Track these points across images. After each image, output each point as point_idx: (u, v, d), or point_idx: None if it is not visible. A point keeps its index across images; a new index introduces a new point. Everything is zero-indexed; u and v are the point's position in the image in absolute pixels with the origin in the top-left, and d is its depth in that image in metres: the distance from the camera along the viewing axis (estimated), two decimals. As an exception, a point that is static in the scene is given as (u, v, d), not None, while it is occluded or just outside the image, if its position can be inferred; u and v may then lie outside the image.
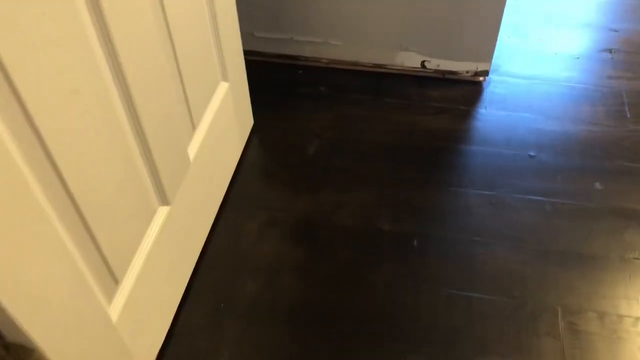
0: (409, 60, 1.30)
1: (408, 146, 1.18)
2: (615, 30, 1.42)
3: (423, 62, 1.29)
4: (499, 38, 1.40)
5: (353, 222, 1.05)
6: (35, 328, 0.54)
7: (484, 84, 1.30)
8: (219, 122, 1.02)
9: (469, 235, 1.03)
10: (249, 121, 1.20)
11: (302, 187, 1.11)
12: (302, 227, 1.04)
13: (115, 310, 0.72)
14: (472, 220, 1.05)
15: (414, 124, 1.22)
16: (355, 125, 1.23)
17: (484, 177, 1.12)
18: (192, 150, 0.91)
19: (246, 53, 1.35)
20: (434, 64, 1.29)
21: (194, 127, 0.92)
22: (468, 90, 1.29)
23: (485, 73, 1.28)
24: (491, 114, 1.24)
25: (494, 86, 1.30)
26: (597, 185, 1.10)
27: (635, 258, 0.99)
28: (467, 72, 1.29)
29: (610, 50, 1.37)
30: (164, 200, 0.82)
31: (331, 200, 1.09)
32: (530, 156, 1.15)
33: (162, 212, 0.82)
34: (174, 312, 0.92)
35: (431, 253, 1.00)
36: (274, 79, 1.33)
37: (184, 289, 0.95)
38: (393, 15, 1.22)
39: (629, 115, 1.22)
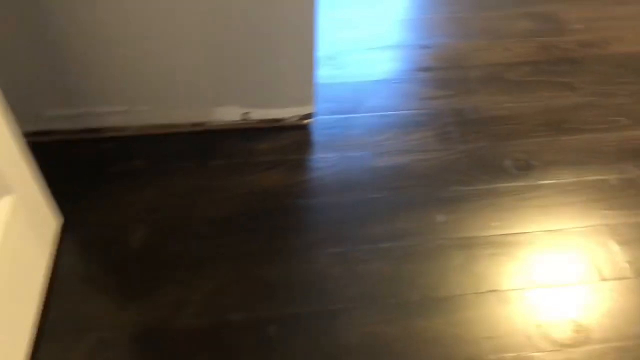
0: (229, 114, 1.19)
1: (246, 213, 1.08)
2: (427, 47, 1.44)
3: (244, 114, 1.19)
4: (318, 75, 1.35)
5: (201, 320, 0.92)
6: None
7: (312, 127, 1.24)
8: (12, 240, 0.83)
9: (327, 304, 0.95)
10: (54, 223, 1.01)
11: (133, 290, 0.96)
12: (141, 343, 0.90)
13: None
14: (327, 286, 0.98)
15: (247, 186, 1.12)
16: (183, 200, 1.10)
17: (330, 234, 1.05)
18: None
19: (39, 134, 1.15)
20: (256, 114, 1.20)
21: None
22: (297, 136, 1.22)
23: (311, 115, 1.22)
24: (324, 160, 1.17)
25: (322, 127, 1.24)
26: (439, 217, 1.08)
27: (489, 291, 0.98)
28: (292, 117, 1.21)
29: (426, 69, 1.38)
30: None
31: (170, 299, 0.95)
32: (370, 199, 1.11)
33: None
34: None
35: (290, 340, 0.91)
36: (79, 160, 1.15)
37: None
38: (203, 70, 1.11)
39: (456, 136, 1.23)
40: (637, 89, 1.34)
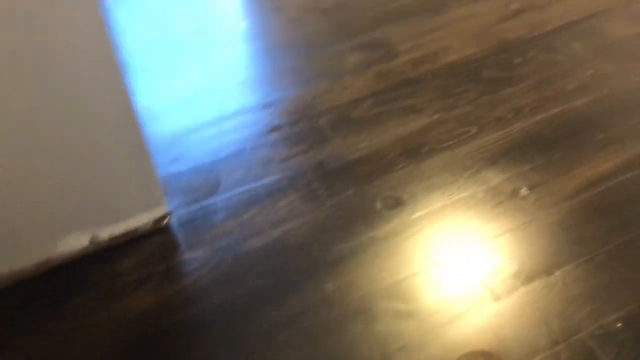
0: (74, 242, 1.06)
1: (125, 348, 0.96)
2: (269, 105, 1.39)
3: (92, 237, 1.07)
4: (162, 169, 1.25)
5: None
6: None
7: (171, 227, 1.14)
8: None
9: None
10: None
11: None
12: None
13: None
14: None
15: (117, 316, 1.00)
16: (47, 353, 0.95)
17: (222, 342, 0.95)
18: None
19: None
20: (105, 233, 1.08)
21: None
22: (157, 243, 1.11)
23: (166, 215, 1.12)
24: (193, 260, 1.08)
25: (182, 223, 1.14)
26: (328, 286, 1.03)
27: (397, 349, 0.94)
28: (146, 223, 1.11)
29: (275, 129, 1.33)
30: None
31: None
32: (254, 289, 1.03)
33: None
34: None
35: None
36: None
37: None
38: (33, 202, 0.97)
39: (322, 191, 1.19)
40: (475, 95, 1.38)
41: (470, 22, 1.59)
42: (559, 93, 1.37)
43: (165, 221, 1.13)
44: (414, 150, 1.26)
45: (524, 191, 1.16)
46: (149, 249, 1.10)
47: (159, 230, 1.13)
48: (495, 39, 1.53)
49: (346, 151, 1.27)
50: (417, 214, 1.14)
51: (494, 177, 1.20)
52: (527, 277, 1.02)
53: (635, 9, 1.60)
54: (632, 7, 1.61)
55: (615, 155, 1.22)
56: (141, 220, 1.10)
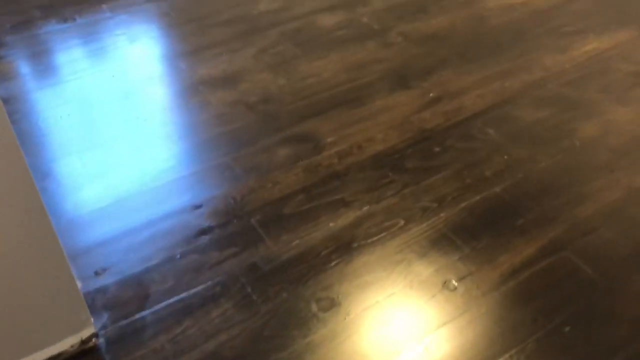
0: (-9, 375, 0.99)
1: None
2: (199, 207, 1.38)
3: (11, 368, 1.00)
4: (87, 286, 1.20)
5: None
6: None
7: (99, 348, 1.08)
8: None
9: None
10: None
11: None
12: None
13: None
14: None
15: None
16: None
17: None
18: None
19: None
20: (26, 363, 1.01)
21: None
22: (85, 367, 1.05)
23: (93, 335, 1.07)
24: (124, 384, 1.03)
25: (111, 342, 1.09)
26: (268, 399, 1.00)
27: None
28: (72, 346, 1.05)
29: (206, 231, 1.32)
30: None
31: None
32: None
33: None
34: None
35: None
36: None
37: None
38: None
39: (256, 297, 1.17)
40: (400, 185, 1.42)
41: (391, 112, 1.67)
42: (478, 180, 1.44)
43: (91, 342, 1.07)
44: (345, 246, 1.28)
45: (453, 283, 1.20)
46: (75, 376, 1.04)
47: (85, 353, 1.07)
48: (415, 128, 1.61)
49: (279, 251, 1.27)
50: (352, 315, 1.14)
51: (424, 270, 1.22)
52: (463, 374, 1.04)
53: (541, 93, 1.73)
54: (538, 91, 1.73)
55: (536, 240, 1.28)
56: (66, 343, 1.04)
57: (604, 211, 1.35)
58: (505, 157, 1.51)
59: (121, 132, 1.61)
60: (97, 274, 1.23)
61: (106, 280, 1.21)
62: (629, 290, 1.18)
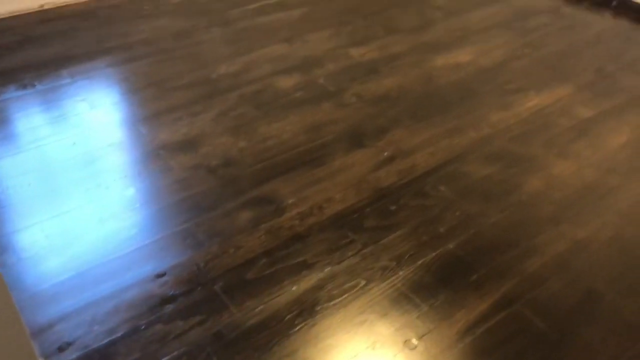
0: None
1: None
2: (162, 275, 1.40)
3: None
4: None
5: None
6: None
7: None
8: None
9: None
10: None
11: None
12: None
13: None
14: None
15: None
16: None
17: None
18: None
19: None
20: None
21: None
22: None
23: (59, 416, 1.07)
24: None
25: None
26: None
27: None
28: None
29: (170, 300, 1.33)
30: None
31: None
32: None
33: None
34: None
35: None
36: None
37: None
38: None
39: (221, 366, 1.19)
40: (360, 245, 1.48)
41: (348, 172, 1.73)
42: (433, 237, 1.51)
43: (56, 423, 1.07)
44: (308, 310, 1.31)
45: (413, 342, 1.24)
46: None
47: None
48: (372, 187, 1.67)
49: (244, 317, 1.29)
50: (317, 379, 1.17)
51: (386, 329, 1.27)
52: None
53: (488, 149, 1.83)
54: (485, 148, 1.83)
55: (489, 295, 1.35)
56: None
57: (551, 264, 1.43)
58: (458, 213, 1.58)
59: (83, 201, 1.62)
60: (60, 349, 1.22)
61: (70, 355, 1.21)
62: (578, 342, 1.25)
